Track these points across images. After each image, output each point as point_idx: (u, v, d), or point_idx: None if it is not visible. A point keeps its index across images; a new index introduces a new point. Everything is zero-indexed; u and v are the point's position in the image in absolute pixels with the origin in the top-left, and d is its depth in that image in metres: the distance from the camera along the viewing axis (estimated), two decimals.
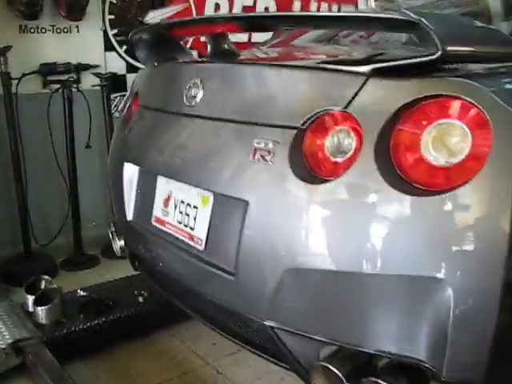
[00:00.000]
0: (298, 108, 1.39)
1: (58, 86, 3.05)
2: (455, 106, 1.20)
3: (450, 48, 1.16)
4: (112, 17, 3.27)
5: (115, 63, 3.32)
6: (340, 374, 1.29)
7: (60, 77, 3.08)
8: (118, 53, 3.34)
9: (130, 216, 1.95)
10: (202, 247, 1.59)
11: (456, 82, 1.21)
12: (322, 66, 1.44)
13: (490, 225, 1.13)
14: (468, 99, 1.17)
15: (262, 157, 1.39)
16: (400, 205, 1.20)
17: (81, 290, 2.53)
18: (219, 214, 1.55)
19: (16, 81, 2.94)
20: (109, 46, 3.30)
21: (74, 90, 3.11)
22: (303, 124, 1.37)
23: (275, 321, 1.41)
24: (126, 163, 1.95)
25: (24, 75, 2.95)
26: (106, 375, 2.24)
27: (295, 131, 1.37)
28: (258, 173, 1.40)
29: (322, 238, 1.29)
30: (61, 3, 2.96)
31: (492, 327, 1.14)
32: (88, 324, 2.29)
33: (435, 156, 1.21)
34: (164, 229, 1.77)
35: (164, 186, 1.79)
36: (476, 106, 1.17)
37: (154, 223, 1.82)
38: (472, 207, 1.14)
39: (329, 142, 1.35)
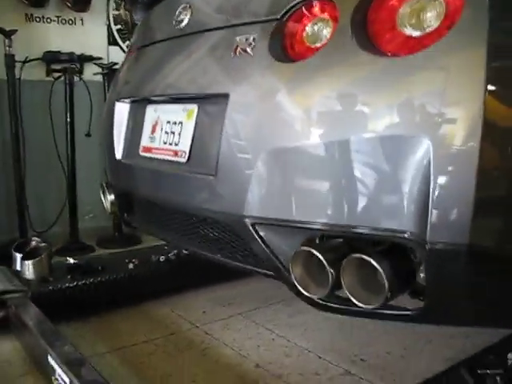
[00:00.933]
0: (274, 2, 1.41)
1: (61, 74, 3.11)
2: None
3: None
4: (117, 12, 3.39)
5: (118, 57, 3.40)
6: (321, 257, 1.24)
7: (63, 66, 3.15)
8: (120, 47, 3.43)
9: (119, 155, 1.96)
10: (185, 159, 1.58)
11: None
12: None
13: (462, 81, 1.12)
14: None
15: (243, 50, 1.41)
16: (374, 68, 1.19)
17: (70, 258, 2.48)
18: (202, 122, 1.56)
19: (20, 66, 3.00)
20: (112, 41, 3.40)
21: (76, 79, 3.18)
22: (283, 16, 1.38)
23: (255, 215, 1.37)
24: (116, 102, 1.97)
25: (28, 60, 3.02)
26: (92, 335, 2.17)
27: (275, 23, 1.38)
28: (239, 65, 1.42)
29: (302, 114, 1.28)
30: None
31: (472, 184, 1.10)
32: (75, 283, 2.24)
33: (410, 29, 1.21)
34: (151, 155, 1.76)
35: (152, 114, 1.80)
36: None
37: (141, 153, 1.82)
38: (447, 65, 1.13)
39: (307, 30, 1.36)
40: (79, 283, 2.25)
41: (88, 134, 3.26)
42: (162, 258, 2.52)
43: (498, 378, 1.54)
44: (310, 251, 1.26)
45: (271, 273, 1.43)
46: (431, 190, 1.10)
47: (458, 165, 1.10)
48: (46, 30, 3.16)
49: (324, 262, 1.23)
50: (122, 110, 1.96)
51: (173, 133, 1.66)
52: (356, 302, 1.23)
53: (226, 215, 1.45)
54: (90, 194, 3.38)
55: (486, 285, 1.17)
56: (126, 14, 3.40)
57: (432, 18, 1.19)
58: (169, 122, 1.70)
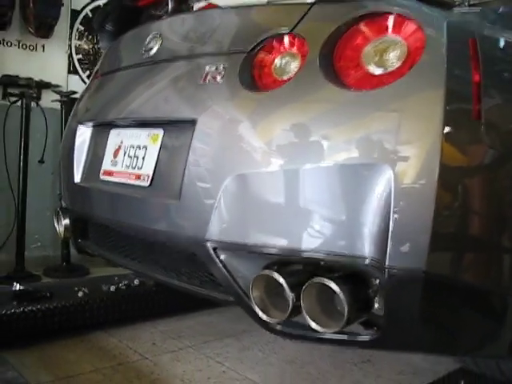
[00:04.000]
0: (246, 36, 1.48)
1: (18, 98, 3.08)
2: (390, 20, 1.30)
3: None
4: (79, 42, 3.40)
5: (77, 86, 3.40)
6: (282, 280, 1.26)
7: (21, 90, 3.12)
8: (80, 77, 3.43)
9: (77, 178, 1.94)
10: (147, 183, 1.59)
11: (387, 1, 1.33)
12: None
13: (420, 118, 1.19)
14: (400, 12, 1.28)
15: (213, 77, 1.46)
16: (338, 101, 1.26)
17: (17, 283, 2.40)
18: (167, 146, 1.58)
19: None
20: (72, 69, 3.40)
21: (33, 105, 3.15)
22: (253, 48, 1.44)
23: (216, 239, 1.39)
24: (79, 125, 1.97)
25: None
26: (36, 363, 2.08)
27: (245, 54, 1.44)
28: (208, 92, 1.46)
29: (266, 141, 1.32)
30: (29, 19, 3.08)
31: (431, 210, 1.16)
32: (21, 309, 2.15)
33: (373, 67, 1.30)
34: (111, 179, 1.76)
35: (115, 138, 1.81)
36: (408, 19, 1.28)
37: (101, 177, 1.81)
38: (404, 99, 1.21)
39: (276, 63, 1.42)
40: (25, 309, 2.17)
41: (41, 161, 3.20)
42: (112, 288, 2.47)
43: None
44: (270, 275, 1.28)
45: (231, 298, 1.44)
46: (391, 217, 1.15)
47: (418, 194, 1.16)
48: (6, 54, 3.13)
49: (284, 285, 1.25)
50: (83, 133, 1.95)
51: (136, 157, 1.67)
52: (315, 327, 1.25)
53: (187, 239, 1.45)
54: (39, 223, 3.31)
55: (441, 312, 1.22)
56: (88, 43, 3.42)
57: (394, 58, 1.28)
58: (132, 147, 1.71)
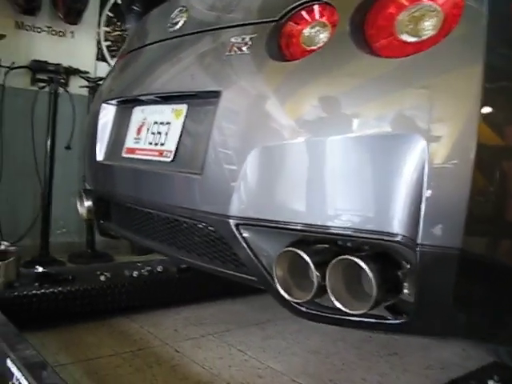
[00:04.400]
0: (274, 5, 1.42)
1: (46, 84, 3.08)
2: None
3: None
4: (107, 29, 3.39)
5: (104, 73, 3.38)
6: (307, 257, 1.20)
7: (49, 76, 3.12)
8: (108, 64, 3.42)
9: (100, 157, 1.91)
10: (170, 158, 1.54)
11: None
12: None
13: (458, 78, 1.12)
14: None
15: (239, 48, 1.40)
16: (368, 69, 1.19)
17: (39, 266, 2.39)
18: (191, 121, 1.53)
19: (5, 72, 2.96)
20: (101, 56, 3.39)
21: (61, 91, 3.15)
22: (281, 17, 1.38)
23: (239, 215, 1.33)
24: (103, 104, 1.93)
25: (14, 67, 2.99)
26: (56, 345, 2.06)
27: (273, 24, 1.38)
28: (233, 63, 1.41)
29: (293, 112, 1.26)
30: (59, 4, 3.08)
31: (467, 189, 1.08)
32: (42, 291, 2.14)
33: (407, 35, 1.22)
34: (134, 156, 1.72)
35: (139, 115, 1.77)
36: None
37: (124, 155, 1.78)
38: (439, 70, 1.13)
39: (304, 33, 1.36)
40: (47, 291, 2.15)
41: (68, 147, 3.20)
42: (135, 273, 2.44)
43: None
44: (295, 252, 1.22)
45: (253, 278, 1.38)
46: (424, 191, 1.08)
47: (454, 168, 1.08)
48: (35, 39, 3.14)
49: (310, 262, 1.19)
50: (107, 112, 1.92)
51: (159, 133, 1.63)
52: (341, 308, 1.18)
53: (209, 215, 1.40)
54: (65, 209, 3.30)
55: (476, 294, 1.14)
56: (117, 30, 3.41)
57: (429, 27, 1.20)
58: (156, 123, 1.66)
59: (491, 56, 1.10)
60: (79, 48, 3.28)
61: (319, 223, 1.21)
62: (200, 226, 1.48)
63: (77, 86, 3.26)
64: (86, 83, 3.24)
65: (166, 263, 2.59)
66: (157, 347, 2.10)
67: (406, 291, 1.23)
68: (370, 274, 1.12)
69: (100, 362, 1.95)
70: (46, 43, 3.19)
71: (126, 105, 1.85)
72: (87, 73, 3.30)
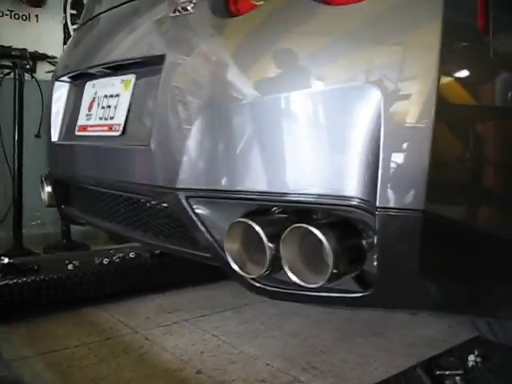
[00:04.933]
0: None
1: (10, 70, 2.96)
2: None
3: None
4: (74, 12, 3.26)
5: None
6: (258, 228, 1.10)
7: (14, 61, 2.99)
8: None
9: (55, 137, 1.80)
10: (119, 132, 1.44)
11: None
12: None
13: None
14: None
15: (184, 8, 1.29)
16: (318, 18, 1.08)
17: (3, 256, 2.28)
18: (139, 91, 1.42)
19: None
20: (68, 40, 3.26)
21: (27, 78, 3.02)
22: None
23: (189, 187, 1.23)
24: (55, 82, 1.82)
25: None
26: (19, 338, 1.96)
27: None
28: (177, 24, 1.31)
29: (240, 68, 1.16)
30: None
31: (428, 143, 0.98)
32: (4, 282, 2.03)
33: None
34: (85, 133, 1.61)
35: (90, 90, 1.66)
36: None
37: (77, 133, 1.67)
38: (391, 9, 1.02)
39: None
40: (10, 282, 2.04)
41: (38, 135, 3.08)
42: (105, 261, 2.34)
43: (457, 379, 1.40)
44: (246, 224, 1.11)
45: (208, 255, 1.28)
46: (381, 149, 0.98)
47: (413, 124, 0.98)
48: None
49: (261, 233, 1.08)
50: (61, 90, 1.81)
51: (109, 107, 1.52)
52: (296, 281, 1.08)
53: (159, 190, 1.30)
54: (38, 199, 3.18)
55: (445, 259, 1.04)
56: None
57: None
58: (106, 96, 1.56)
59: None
60: (45, 32, 3.15)
61: (270, 190, 1.11)
62: (151, 202, 1.38)
63: (44, 71, 3.13)
64: (53, 68, 3.10)
65: (139, 249, 2.49)
66: (126, 336, 2.01)
67: (370, 262, 1.13)
68: (326, 243, 1.02)
69: (65, 353, 1.85)
70: (10, 28, 3.06)
71: (78, 81, 1.75)
72: (55, 58, 3.17)
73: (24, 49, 3.05)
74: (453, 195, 1.02)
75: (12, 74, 2.99)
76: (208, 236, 1.23)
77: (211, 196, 1.20)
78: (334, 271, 1.04)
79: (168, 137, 1.25)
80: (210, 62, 1.20)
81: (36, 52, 3.10)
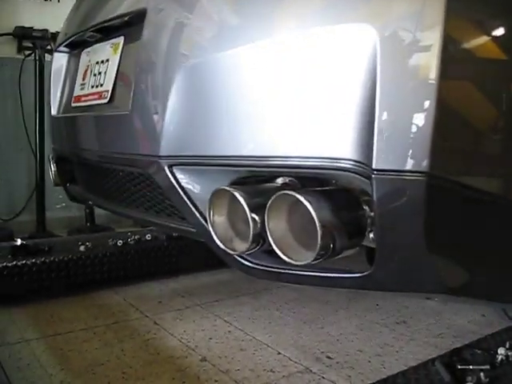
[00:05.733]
0: None
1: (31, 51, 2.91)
2: None
3: None
4: None
5: None
6: (239, 197, 0.97)
7: (35, 42, 2.95)
8: None
9: (54, 111, 1.72)
10: (107, 99, 1.33)
11: None
12: None
13: None
14: None
15: None
16: None
17: (18, 238, 2.23)
18: (127, 54, 1.32)
19: None
20: None
21: (49, 58, 2.97)
22: None
23: (170, 154, 1.11)
24: (55, 54, 1.74)
25: None
26: (25, 320, 1.91)
27: None
28: None
29: (217, 18, 1.03)
30: None
31: (434, 92, 0.82)
32: (14, 263, 1.98)
33: None
34: (81, 104, 1.52)
35: (85, 59, 1.57)
36: None
37: (73, 105, 1.58)
38: None
39: None
40: (18, 263, 1.99)
41: None
42: (119, 243, 2.26)
43: (481, 375, 1.23)
44: (228, 191, 0.98)
45: (194, 229, 1.16)
46: (378, 99, 0.83)
47: (415, 68, 0.83)
48: (19, 5, 2.97)
49: (243, 202, 0.95)
50: (59, 61, 1.73)
51: (100, 73, 1.43)
52: (284, 257, 0.95)
53: (142, 159, 1.19)
54: None
55: (457, 231, 0.88)
56: None
57: None
58: (98, 63, 1.46)
59: None
60: (66, 13, 3.08)
61: (253, 154, 0.98)
62: (139, 173, 1.27)
63: None
64: None
65: (156, 232, 2.40)
66: (134, 320, 1.92)
67: (371, 236, 0.98)
68: (312, 212, 0.88)
69: (68, 336, 1.78)
70: (31, 9, 3.02)
71: (76, 50, 1.65)
72: None
73: (45, 29, 3.00)
74: (463, 156, 0.86)
75: (33, 55, 2.93)
76: (192, 208, 1.11)
77: (194, 163, 1.08)
78: (324, 247, 0.90)
79: (147, 101, 1.14)
80: (187, 13, 1.07)
81: (57, 33, 3.03)
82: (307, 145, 0.91)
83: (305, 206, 0.88)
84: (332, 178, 0.98)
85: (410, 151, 0.83)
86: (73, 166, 1.76)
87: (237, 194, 0.96)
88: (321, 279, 1.00)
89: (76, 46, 1.64)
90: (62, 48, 1.71)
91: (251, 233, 0.96)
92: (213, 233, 1.03)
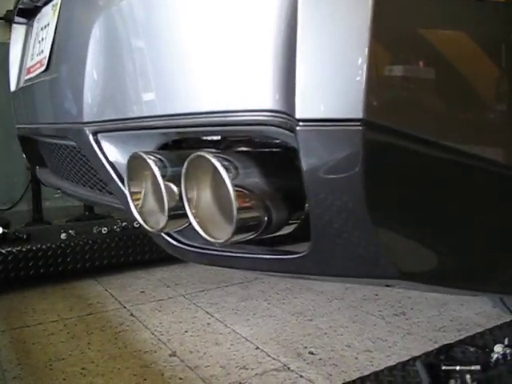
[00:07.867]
0: None
1: None
2: None
3: None
4: None
5: None
6: (150, 161, 0.81)
7: None
8: None
9: (13, 86, 1.60)
10: (44, 67, 1.19)
11: None
12: None
13: None
14: None
15: None
16: None
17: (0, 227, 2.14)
18: (63, 16, 1.17)
19: None
20: None
21: None
22: None
23: (94, 119, 0.97)
24: (13, 25, 1.62)
25: None
26: None
27: None
28: None
29: None
30: None
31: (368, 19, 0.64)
32: None
33: None
34: (30, 76, 1.39)
35: (36, 27, 1.44)
36: None
37: (25, 77, 1.45)
38: None
39: None
40: None
41: None
42: (104, 230, 2.14)
43: (467, 377, 1.05)
44: (141, 157, 0.83)
45: (122, 206, 1.01)
46: (298, 32, 0.66)
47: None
48: None
49: (154, 168, 0.80)
50: (17, 33, 1.60)
51: (42, 40, 1.29)
52: (202, 233, 0.79)
53: (70, 127, 1.05)
54: None
55: (407, 196, 0.71)
56: None
57: None
58: (42, 29, 1.32)
59: None
60: None
61: (171, 112, 0.82)
62: (73, 146, 1.13)
63: None
64: None
65: None
66: (110, 311, 1.80)
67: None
68: (224, 175, 0.72)
69: (37, 329, 1.67)
70: None
71: (29, 20, 1.53)
72: None
73: None
74: (408, 97, 0.68)
75: None
76: (116, 178, 0.96)
77: (115, 128, 0.93)
78: (246, 219, 0.74)
79: (70, 63, 1.01)
80: None
81: None
82: (226, 97, 0.75)
83: (216, 169, 0.72)
84: (262, 137, 0.81)
85: (341, 94, 0.65)
86: (36, 147, 1.64)
87: (147, 158, 0.81)
88: (253, 261, 0.84)
89: (30, 14, 1.51)
90: (18, 19, 1.59)
91: (166, 205, 0.81)
92: (131, 206, 0.88)
